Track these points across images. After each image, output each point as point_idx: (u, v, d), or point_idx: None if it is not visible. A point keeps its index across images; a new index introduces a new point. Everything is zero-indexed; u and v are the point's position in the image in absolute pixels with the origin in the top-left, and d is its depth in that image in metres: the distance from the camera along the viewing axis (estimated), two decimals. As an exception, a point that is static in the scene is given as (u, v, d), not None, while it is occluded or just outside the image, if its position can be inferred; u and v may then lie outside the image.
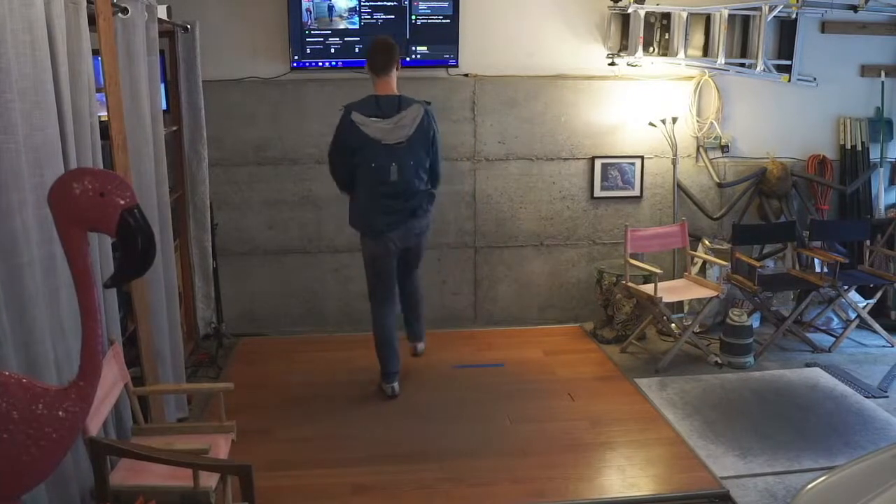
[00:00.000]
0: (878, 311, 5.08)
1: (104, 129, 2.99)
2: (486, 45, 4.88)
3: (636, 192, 5.15)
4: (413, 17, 4.70)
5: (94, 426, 2.37)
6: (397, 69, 3.72)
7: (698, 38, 4.89)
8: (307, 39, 4.64)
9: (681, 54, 4.78)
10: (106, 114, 2.99)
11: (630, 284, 4.62)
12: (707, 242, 5.05)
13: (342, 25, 4.67)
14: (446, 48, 4.76)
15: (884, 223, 5.15)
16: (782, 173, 5.08)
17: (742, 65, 4.93)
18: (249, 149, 4.84)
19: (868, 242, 5.04)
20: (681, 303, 4.93)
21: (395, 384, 4.03)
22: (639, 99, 5.01)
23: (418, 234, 3.86)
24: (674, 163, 5.11)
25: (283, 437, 3.63)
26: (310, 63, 4.69)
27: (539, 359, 4.63)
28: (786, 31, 5.01)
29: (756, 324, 4.92)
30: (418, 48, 4.74)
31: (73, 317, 2.54)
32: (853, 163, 5.25)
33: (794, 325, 4.83)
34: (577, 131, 5.04)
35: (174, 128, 4.32)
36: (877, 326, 4.84)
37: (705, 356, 4.58)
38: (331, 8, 4.61)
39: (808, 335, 4.88)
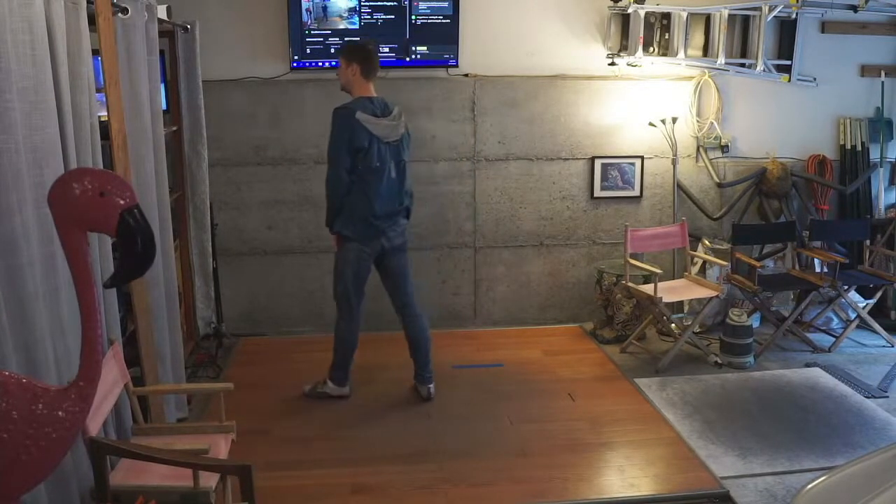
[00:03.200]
0: (877, 311, 5.09)
1: (104, 129, 2.99)
2: (486, 45, 4.88)
3: (636, 192, 5.15)
4: (413, 17, 4.70)
5: (94, 426, 2.37)
6: None
7: (698, 38, 4.89)
8: (307, 39, 4.64)
9: (681, 54, 4.78)
10: (106, 114, 2.98)
11: (630, 284, 4.61)
12: (707, 242, 5.04)
13: (342, 25, 4.67)
14: (446, 48, 4.76)
15: (884, 223, 5.15)
16: (782, 173, 5.08)
17: (742, 65, 4.93)
18: (249, 149, 4.84)
19: (868, 242, 5.05)
20: (681, 303, 4.93)
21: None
22: (639, 99, 5.01)
23: (402, 233, 3.91)
24: (674, 163, 5.11)
25: (282, 437, 3.63)
26: (310, 63, 4.69)
27: (539, 359, 4.63)
28: (786, 31, 5.01)
29: (756, 324, 4.92)
30: (418, 48, 4.74)
31: (73, 317, 2.54)
32: (853, 163, 5.25)
33: (793, 325, 4.83)
34: (576, 131, 5.04)
35: (174, 128, 4.32)
36: (877, 326, 4.84)
37: (705, 356, 4.58)
38: (324, 8, 4.61)
39: (808, 335, 4.88)
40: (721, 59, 4.81)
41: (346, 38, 4.66)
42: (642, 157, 5.11)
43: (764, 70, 4.90)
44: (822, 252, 4.89)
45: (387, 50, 4.72)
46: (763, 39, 4.83)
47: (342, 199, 3.72)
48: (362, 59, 3.72)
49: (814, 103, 5.19)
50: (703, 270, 5.01)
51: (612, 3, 4.74)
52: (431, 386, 4.03)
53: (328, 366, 4.01)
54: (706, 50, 4.89)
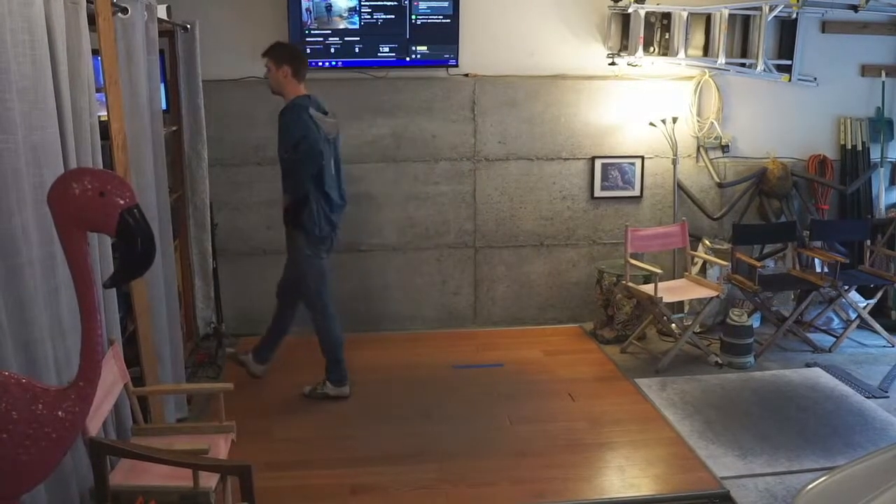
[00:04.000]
0: (878, 311, 5.08)
1: (104, 128, 2.98)
2: (486, 45, 4.87)
3: (636, 192, 5.15)
4: (413, 16, 4.69)
5: (94, 426, 2.37)
6: None
7: (698, 38, 4.89)
8: (307, 39, 4.64)
9: (681, 54, 4.77)
10: (105, 114, 2.98)
11: (630, 284, 4.61)
12: (707, 242, 5.04)
13: (342, 25, 4.66)
14: (446, 48, 4.76)
15: (884, 223, 5.15)
16: (782, 173, 5.08)
17: (742, 65, 4.92)
18: (249, 149, 4.83)
19: (868, 242, 5.04)
20: (681, 303, 4.92)
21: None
22: (639, 99, 5.01)
23: (338, 230, 4.01)
24: (674, 163, 5.10)
25: (282, 438, 3.64)
26: (310, 63, 4.66)
27: (539, 359, 4.62)
28: (786, 30, 5.01)
29: (756, 324, 4.91)
30: (418, 48, 4.74)
31: (72, 317, 2.54)
32: (853, 163, 5.25)
33: (794, 325, 4.83)
34: (577, 131, 5.03)
35: (174, 128, 4.32)
36: (877, 326, 4.83)
37: (705, 356, 4.58)
38: (329, 8, 4.61)
39: (809, 335, 4.87)
40: (721, 59, 4.81)
41: (345, 38, 4.66)
42: (642, 157, 5.10)
43: (764, 70, 4.89)
44: (822, 252, 4.88)
45: (387, 50, 4.71)
46: (763, 39, 4.83)
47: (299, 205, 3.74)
48: (292, 60, 3.73)
49: (814, 103, 5.19)
50: (703, 270, 5.01)
51: (612, 3, 4.74)
52: (255, 367, 4.13)
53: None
54: (706, 50, 4.89)
